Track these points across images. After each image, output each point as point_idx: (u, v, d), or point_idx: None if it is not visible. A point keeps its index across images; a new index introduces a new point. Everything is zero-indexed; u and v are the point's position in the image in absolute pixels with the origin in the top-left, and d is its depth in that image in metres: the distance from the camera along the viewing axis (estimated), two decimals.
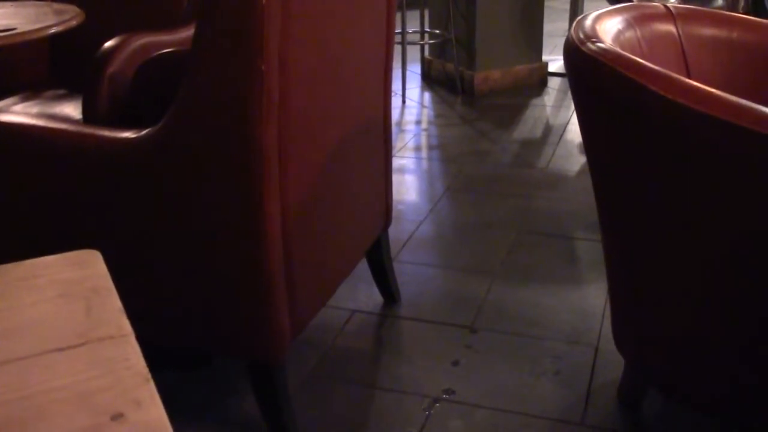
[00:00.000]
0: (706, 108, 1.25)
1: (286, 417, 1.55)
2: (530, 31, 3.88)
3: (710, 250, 1.34)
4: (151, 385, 0.48)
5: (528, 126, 3.44)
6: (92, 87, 1.85)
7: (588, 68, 1.41)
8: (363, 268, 2.10)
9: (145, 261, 1.48)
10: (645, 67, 1.33)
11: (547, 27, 4.10)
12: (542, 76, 3.98)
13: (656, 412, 1.65)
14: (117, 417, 0.45)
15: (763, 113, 1.23)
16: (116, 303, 0.57)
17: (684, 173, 1.32)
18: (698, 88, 1.29)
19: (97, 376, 0.49)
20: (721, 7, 3.86)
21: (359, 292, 2.12)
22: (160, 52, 1.96)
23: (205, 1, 1.30)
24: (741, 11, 4.47)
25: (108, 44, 1.93)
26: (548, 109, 3.62)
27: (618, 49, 1.38)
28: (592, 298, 2.07)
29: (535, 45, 3.91)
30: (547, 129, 3.39)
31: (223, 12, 1.28)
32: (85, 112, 1.82)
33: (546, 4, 4.02)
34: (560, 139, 3.27)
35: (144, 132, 1.43)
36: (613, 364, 1.79)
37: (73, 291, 0.57)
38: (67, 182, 1.52)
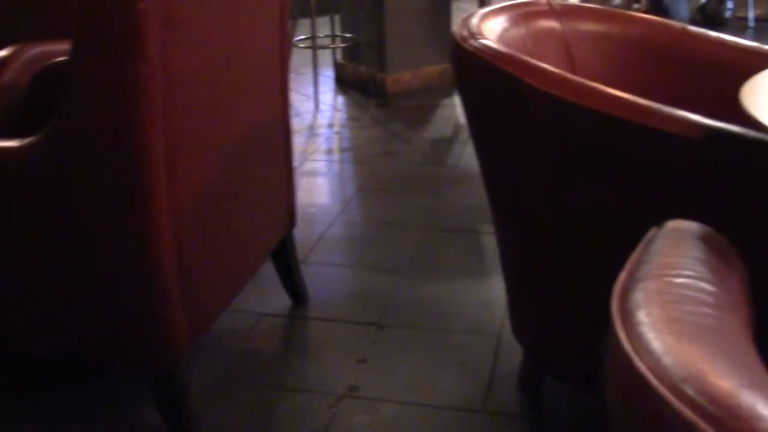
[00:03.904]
0: (580, 99, 1.30)
1: (189, 425, 1.54)
2: (439, 33, 3.94)
3: (591, 237, 1.39)
4: None
5: (439, 126, 3.49)
6: None
7: (470, 64, 1.45)
8: (272, 271, 2.10)
9: (31, 272, 1.45)
10: (522, 61, 1.38)
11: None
12: (452, 76, 4.04)
13: (555, 397, 1.71)
14: None
15: (634, 103, 1.29)
16: None
17: (562, 163, 1.37)
18: (572, 80, 1.34)
19: None
20: (618, 6, 4.01)
21: (268, 296, 2.11)
22: (53, 60, 1.92)
23: (82, 6, 1.29)
24: (643, 10, 4.64)
25: (0, 54, 1.88)
26: (458, 109, 3.69)
27: (496, 45, 1.43)
28: (497, 290, 2.12)
29: (444, 47, 3.97)
30: (457, 128, 3.45)
31: (100, 18, 1.27)
32: None
33: (455, 5, 4.09)
34: (469, 137, 3.33)
35: (27, 141, 1.41)
36: (515, 352, 1.83)
37: None
38: None
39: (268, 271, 2.07)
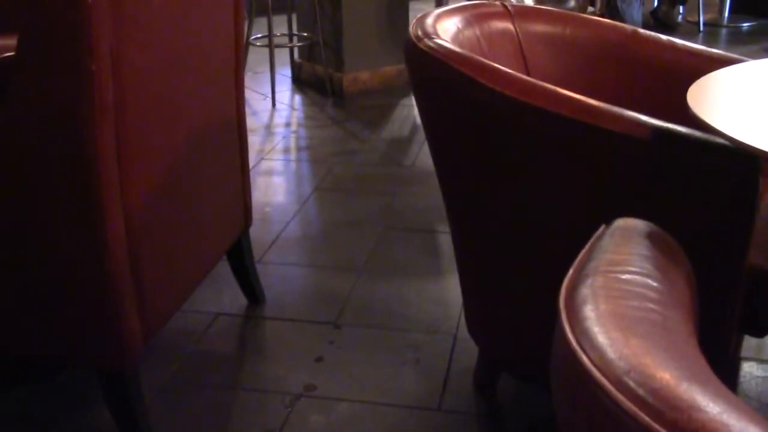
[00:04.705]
0: (531, 99, 1.31)
1: (141, 425, 1.52)
2: (396, 33, 3.95)
3: (542, 235, 1.41)
4: None
5: (396, 125, 3.50)
6: None
7: (424, 64, 1.46)
8: (227, 271, 2.08)
9: None
10: (474, 60, 1.39)
11: None
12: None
13: (510, 394, 1.72)
14: None
15: (584, 103, 1.31)
16: None
17: (514, 161, 1.38)
18: (523, 80, 1.35)
19: None
20: (573, 9, 4.07)
21: (223, 296, 2.10)
22: (5, 55, 1.87)
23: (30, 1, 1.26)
24: (597, 14, 4.72)
25: None
26: (415, 109, 3.70)
27: (450, 45, 1.44)
28: (453, 289, 2.13)
29: (401, 46, 3.98)
30: (415, 128, 3.46)
31: (48, 12, 1.25)
32: None
33: (412, 6, 4.11)
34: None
35: None
36: (471, 350, 1.84)
37: None
38: None
39: (224, 270, 2.06)
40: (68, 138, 1.29)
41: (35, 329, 1.43)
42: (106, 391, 1.49)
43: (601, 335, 0.58)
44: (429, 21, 1.59)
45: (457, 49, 1.43)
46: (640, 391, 0.48)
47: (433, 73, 1.45)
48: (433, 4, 4.42)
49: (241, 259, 2.00)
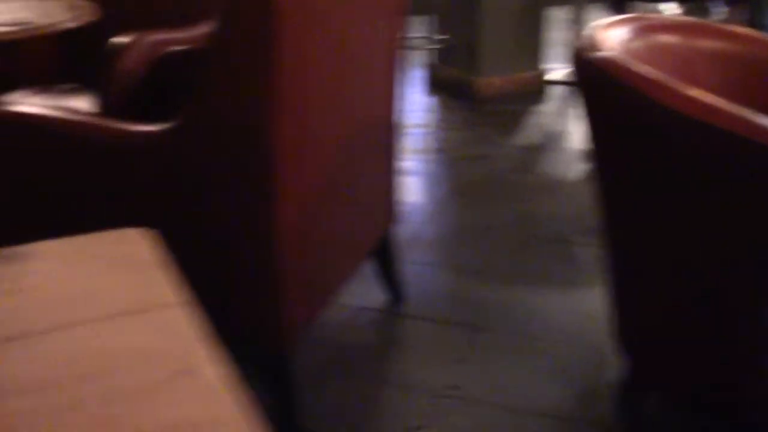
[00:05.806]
0: (706, 118, 1.30)
1: (294, 403, 1.60)
2: (532, 40, 3.94)
3: (711, 256, 1.39)
4: (213, 346, 0.52)
5: (529, 132, 3.49)
6: (107, 81, 1.90)
7: (592, 74, 1.47)
8: (367, 266, 2.14)
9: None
10: (650, 75, 1.38)
11: (548, 36, 4.16)
12: (543, 83, 4.04)
13: (656, 411, 1.70)
14: (185, 372, 0.49)
15: (762, 125, 1.28)
16: (173, 274, 0.61)
17: (684, 181, 1.37)
18: (700, 99, 1.34)
19: (163, 338, 0.53)
20: (720, 20, 3.93)
21: (365, 290, 2.16)
22: (172, 49, 2.01)
23: (226, 2, 1.35)
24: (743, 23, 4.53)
25: (120, 40, 1.97)
26: (548, 117, 3.68)
27: (625, 58, 1.43)
28: (593, 300, 2.12)
29: (536, 53, 3.97)
30: (547, 136, 3.44)
31: (243, 14, 1.33)
32: (101, 105, 1.87)
33: (549, 12, 4.08)
34: (559, 145, 3.33)
35: (164, 126, 1.48)
36: (615, 365, 1.83)
37: (130, 263, 0.62)
38: (81, 173, 1.56)
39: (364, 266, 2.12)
40: (253, 135, 1.37)
41: (212, 312, 1.52)
42: (265, 369, 1.57)
43: None
44: (596, 33, 1.59)
45: (631, 62, 1.43)
46: None
47: (604, 86, 1.45)
48: (566, 10, 4.37)
49: (386, 256, 2.05)
